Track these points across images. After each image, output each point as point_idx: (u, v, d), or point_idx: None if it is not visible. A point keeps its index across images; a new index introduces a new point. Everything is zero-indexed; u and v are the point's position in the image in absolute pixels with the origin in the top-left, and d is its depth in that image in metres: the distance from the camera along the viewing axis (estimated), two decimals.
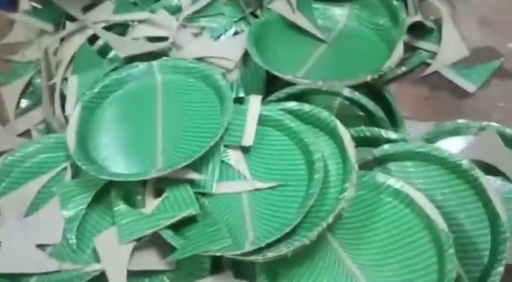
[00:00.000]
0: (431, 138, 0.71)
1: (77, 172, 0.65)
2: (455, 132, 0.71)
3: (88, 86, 0.71)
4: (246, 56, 0.76)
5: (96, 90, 0.70)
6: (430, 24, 0.81)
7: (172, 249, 0.57)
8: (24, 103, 0.86)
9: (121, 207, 0.60)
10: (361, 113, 0.71)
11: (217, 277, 0.58)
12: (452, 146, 0.70)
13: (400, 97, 0.78)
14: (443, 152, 0.62)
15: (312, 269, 0.58)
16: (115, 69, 0.74)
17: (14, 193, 0.64)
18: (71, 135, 0.64)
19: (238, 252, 0.54)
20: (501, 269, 0.54)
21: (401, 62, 0.79)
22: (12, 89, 0.86)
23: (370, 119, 0.70)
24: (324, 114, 0.64)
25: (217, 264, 0.59)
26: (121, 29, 0.79)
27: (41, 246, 0.59)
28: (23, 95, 0.86)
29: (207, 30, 0.79)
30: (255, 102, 0.66)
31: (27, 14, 0.87)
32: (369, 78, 0.67)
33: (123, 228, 0.59)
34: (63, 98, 0.76)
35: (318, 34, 0.76)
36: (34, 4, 0.89)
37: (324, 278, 0.57)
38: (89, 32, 0.78)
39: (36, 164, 0.67)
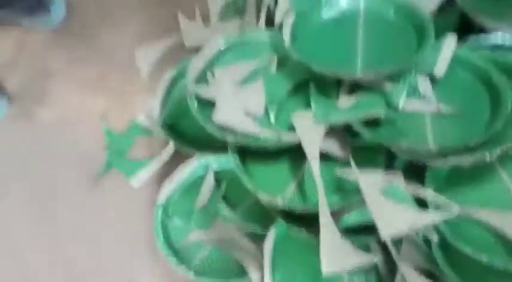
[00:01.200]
0: None
1: (280, 65, 0.76)
2: None
3: (298, 2, 0.81)
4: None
5: (309, 5, 0.79)
6: None
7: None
8: (225, 12, 0.99)
9: (319, 96, 0.70)
10: None
11: (388, 172, 0.66)
12: None
13: None
14: None
15: (479, 191, 0.64)
16: None
17: (229, 67, 0.76)
18: (286, 33, 0.74)
19: (425, 147, 0.61)
20: None
21: None
22: None
23: None
24: None
25: (389, 164, 0.67)
26: None
27: (246, 113, 0.71)
28: (226, 5, 0.99)
29: None
30: (451, 40, 0.72)
31: None
32: None
33: (319, 112, 0.68)
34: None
35: None
36: None
37: (489, 201, 0.63)
38: None
39: (250, 51, 0.78)
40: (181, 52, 0.97)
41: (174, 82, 0.82)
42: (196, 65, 0.76)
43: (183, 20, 1.00)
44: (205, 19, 1.00)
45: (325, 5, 0.80)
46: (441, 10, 0.83)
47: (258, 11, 0.90)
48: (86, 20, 1.03)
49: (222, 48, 0.77)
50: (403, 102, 0.69)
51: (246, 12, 0.92)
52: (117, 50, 0.98)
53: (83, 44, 1.00)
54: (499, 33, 0.75)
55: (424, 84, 0.71)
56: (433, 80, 0.72)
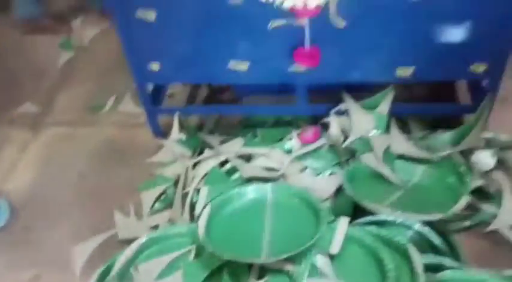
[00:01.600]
0: None
1: (198, 254, 0.85)
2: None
3: (215, 195, 0.94)
4: (337, 191, 0.97)
5: (223, 198, 0.92)
6: (492, 189, 0.98)
7: None
8: (157, 206, 1.11)
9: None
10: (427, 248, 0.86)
11: None
12: None
13: (466, 246, 0.92)
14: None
15: None
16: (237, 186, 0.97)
17: (151, 262, 0.84)
18: (201, 226, 0.85)
19: None
20: None
21: (467, 217, 0.95)
22: (151, 194, 1.12)
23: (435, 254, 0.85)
24: (398, 238, 0.81)
25: None
26: (246, 158, 1.04)
27: None
28: (157, 199, 1.12)
29: (310, 168, 1.02)
30: (343, 222, 0.85)
31: (174, 142, 1.17)
32: (438, 216, 0.85)
33: None
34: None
35: (397, 182, 0.96)
36: (180, 136, 1.19)
37: None
38: (221, 158, 1.05)
39: (172, 242, 0.87)
40: (115, 246, 1.05)
41: (102, 278, 0.88)
42: (120, 260, 0.83)
43: (118, 216, 1.10)
44: (138, 213, 1.11)
45: (236, 197, 0.93)
46: (338, 196, 0.97)
47: (184, 205, 1.02)
48: (27, 222, 1.11)
49: (145, 242, 0.86)
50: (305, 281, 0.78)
51: (173, 206, 1.04)
52: (55, 250, 1.04)
53: (23, 246, 1.06)
54: (383, 211, 0.88)
55: (322, 262, 0.81)
56: (330, 257, 0.82)
